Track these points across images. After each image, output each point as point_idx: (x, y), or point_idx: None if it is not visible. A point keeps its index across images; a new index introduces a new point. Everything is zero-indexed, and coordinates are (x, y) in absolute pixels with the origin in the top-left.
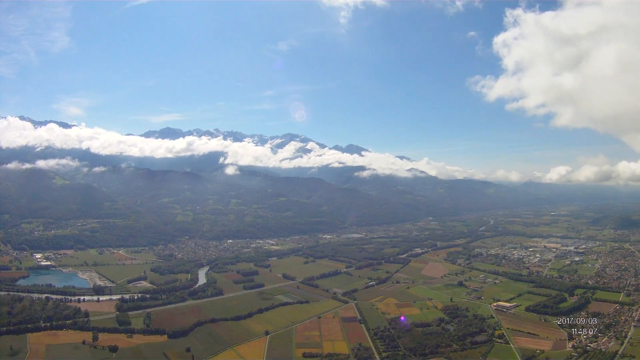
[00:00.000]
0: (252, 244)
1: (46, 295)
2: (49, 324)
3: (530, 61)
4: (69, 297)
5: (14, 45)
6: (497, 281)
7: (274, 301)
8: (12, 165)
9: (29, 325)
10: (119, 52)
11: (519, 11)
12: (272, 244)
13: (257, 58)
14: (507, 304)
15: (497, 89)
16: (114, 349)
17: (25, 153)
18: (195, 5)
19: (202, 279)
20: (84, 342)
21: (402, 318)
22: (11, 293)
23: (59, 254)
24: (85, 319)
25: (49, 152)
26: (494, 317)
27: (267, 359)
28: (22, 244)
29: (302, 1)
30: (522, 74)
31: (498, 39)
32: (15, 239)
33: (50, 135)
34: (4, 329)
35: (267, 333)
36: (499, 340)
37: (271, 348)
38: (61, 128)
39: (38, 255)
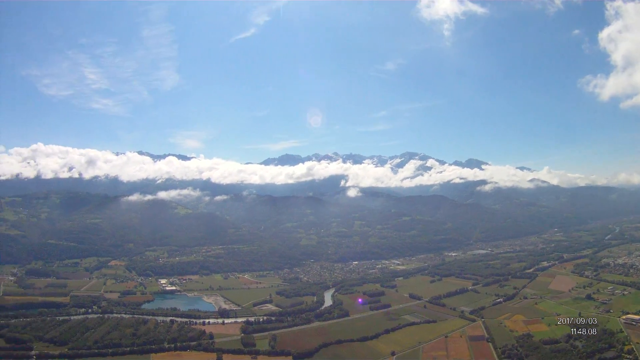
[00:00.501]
0: (378, 265)
1: (171, 318)
2: (173, 345)
3: (638, 54)
4: (194, 320)
5: (125, 85)
6: (625, 292)
7: (401, 321)
8: (134, 197)
9: (153, 347)
10: (229, 85)
11: (619, 2)
12: (398, 264)
13: (367, 79)
14: (636, 317)
15: (609, 87)
16: None
17: (146, 185)
18: (300, 34)
19: (327, 301)
20: None
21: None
22: (136, 316)
23: (183, 279)
24: (210, 341)
25: (170, 184)
26: (623, 332)
27: None
28: (147, 271)
29: (403, 18)
30: (633, 69)
31: (603, 35)
32: (139, 266)
33: (170, 167)
34: (128, 349)
35: (393, 354)
36: (628, 356)
37: None
38: (180, 160)
39: (163, 281)
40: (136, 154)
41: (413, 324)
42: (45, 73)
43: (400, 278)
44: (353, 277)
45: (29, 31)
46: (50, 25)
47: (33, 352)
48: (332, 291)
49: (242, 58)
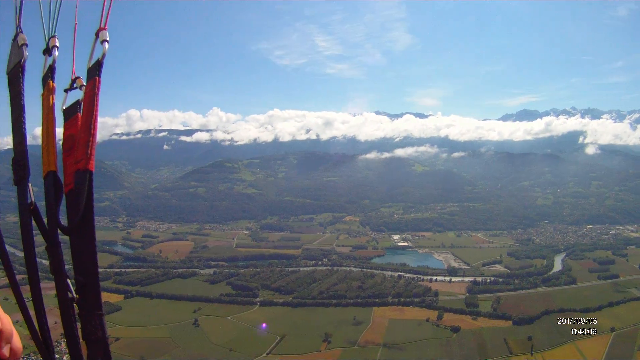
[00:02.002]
0: (612, 230)
1: (399, 273)
2: (396, 300)
3: None
4: (421, 277)
5: (358, 49)
6: None
7: (627, 295)
8: (372, 155)
9: (377, 300)
10: (464, 41)
11: None
12: (632, 231)
13: (600, 27)
14: None
15: None
16: (455, 329)
17: (384, 144)
18: None
19: (557, 266)
20: (427, 320)
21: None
22: (364, 270)
23: (416, 236)
24: (434, 298)
25: (407, 142)
26: None
27: (606, 359)
28: (381, 226)
29: None
30: None
31: None
32: (374, 222)
33: (407, 126)
34: (351, 301)
35: (612, 330)
36: None
37: (613, 347)
38: (417, 118)
39: (395, 237)
40: (373, 114)
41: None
42: (275, 45)
43: (633, 246)
44: (585, 242)
45: (253, 10)
46: (271, 2)
47: (257, 299)
48: (562, 255)
49: (471, 14)
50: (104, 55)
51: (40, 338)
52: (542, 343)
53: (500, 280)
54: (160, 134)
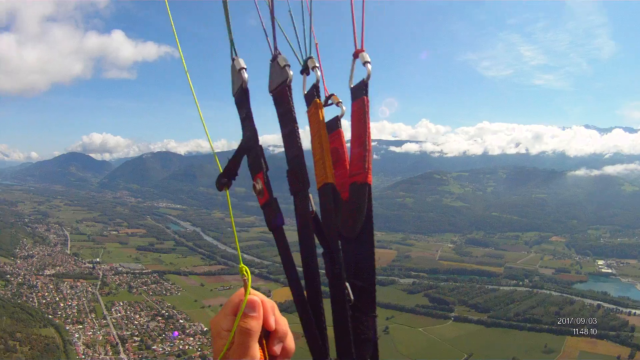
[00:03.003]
0: None
1: (598, 302)
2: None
3: None
4: (620, 309)
5: (563, 59)
6: None
7: None
8: (581, 172)
9: (572, 329)
10: None
11: None
12: None
13: None
14: None
15: None
16: None
17: (593, 160)
18: None
19: None
20: (618, 358)
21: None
22: (564, 295)
23: (621, 263)
24: (630, 334)
25: (617, 158)
26: None
27: None
28: (586, 250)
29: None
30: None
31: None
32: (579, 244)
33: (617, 141)
34: (546, 327)
35: None
36: None
37: None
38: (627, 133)
39: (600, 262)
40: (582, 127)
41: None
42: (481, 56)
43: None
44: None
45: (457, 21)
46: (474, 13)
47: (452, 314)
48: None
49: None
50: (368, 76)
51: (320, 341)
52: None
53: None
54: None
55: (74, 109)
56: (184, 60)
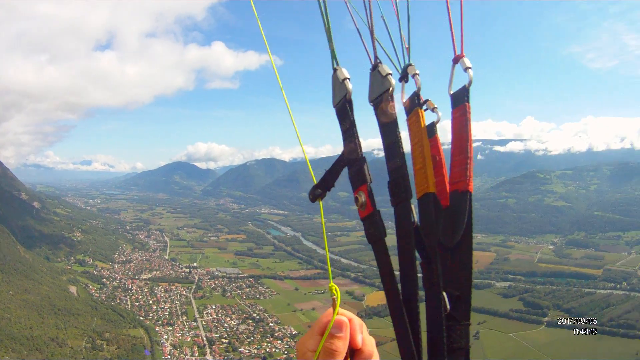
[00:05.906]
0: None
1: None
2: None
3: None
4: None
5: None
6: None
7: None
8: None
9: None
10: None
11: None
12: None
13: None
14: None
15: None
16: None
17: None
18: None
19: None
20: None
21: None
22: None
23: None
24: None
25: None
26: None
27: None
28: None
29: None
30: None
31: None
32: None
33: None
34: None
35: None
36: None
37: None
38: None
39: None
40: None
41: None
42: (586, 48)
43: None
44: None
45: (559, 12)
46: (576, 3)
47: (545, 319)
48: None
49: None
50: (470, 82)
51: (413, 352)
52: None
53: None
54: (475, 144)
55: (178, 120)
56: (275, 69)
